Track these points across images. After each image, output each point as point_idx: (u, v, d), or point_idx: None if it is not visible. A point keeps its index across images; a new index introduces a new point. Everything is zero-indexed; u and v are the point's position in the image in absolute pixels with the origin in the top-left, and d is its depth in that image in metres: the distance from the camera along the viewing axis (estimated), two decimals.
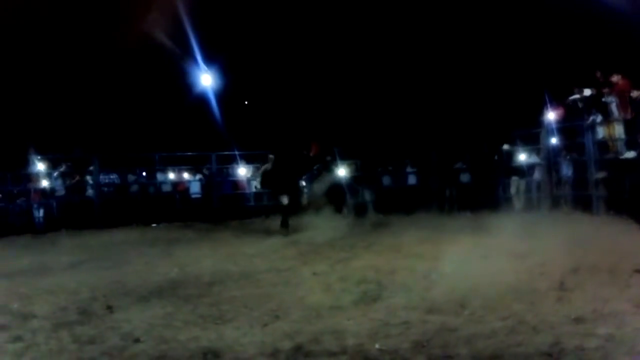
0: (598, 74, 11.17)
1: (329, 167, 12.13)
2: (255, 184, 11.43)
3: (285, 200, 10.75)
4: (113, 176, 15.18)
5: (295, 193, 10.89)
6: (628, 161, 10.20)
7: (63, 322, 4.79)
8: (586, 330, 3.90)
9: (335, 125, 18.23)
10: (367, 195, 14.93)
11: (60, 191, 14.18)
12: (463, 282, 5.54)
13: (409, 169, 15.77)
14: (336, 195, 11.44)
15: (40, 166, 14.00)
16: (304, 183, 11.18)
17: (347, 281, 6.02)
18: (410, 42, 18.76)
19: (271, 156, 11.17)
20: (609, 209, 10.43)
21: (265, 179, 11.06)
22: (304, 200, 11.17)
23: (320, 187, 11.40)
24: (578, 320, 4.14)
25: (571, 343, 3.64)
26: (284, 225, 10.59)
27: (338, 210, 11.54)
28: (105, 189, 14.96)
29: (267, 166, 11.21)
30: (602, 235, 7.78)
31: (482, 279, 5.56)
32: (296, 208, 10.96)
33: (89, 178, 14.52)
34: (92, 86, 18.03)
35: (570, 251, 6.56)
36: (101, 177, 14.58)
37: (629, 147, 10.38)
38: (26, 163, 13.80)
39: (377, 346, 3.83)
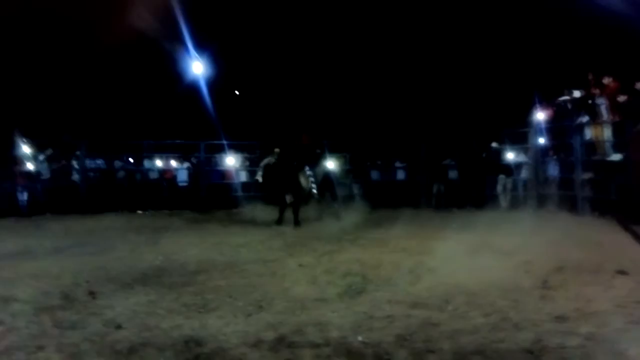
0: (590, 76, 11.26)
1: (318, 160, 12.06)
2: (257, 177, 11.02)
3: (289, 198, 10.65)
4: (99, 161, 15.05)
5: (298, 189, 10.73)
6: (614, 163, 10.30)
7: (45, 307, 4.74)
8: (568, 328, 3.94)
9: (325, 118, 18.21)
10: (355, 189, 14.94)
11: (46, 175, 14.01)
12: (448, 278, 5.58)
13: (397, 164, 15.79)
14: (326, 189, 11.36)
15: (26, 149, 13.82)
16: (310, 174, 11.03)
17: (332, 274, 6.02)
18: (402, 39, 18.76)
19: (277, 150, 10.98)
20: (593, 210, 10.54)
21: (268, 173, 10.73)
22: (315, 192, 11.03)
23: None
24: (560, 318, 4.18)
25: (553, 341, 3.67)
26: (297, 223, 10.46)
27: (327, 203, 11.46)
28: (92, 174, 14.83)
29: (270, 159, 10.93)
30: (587, 236, 7.84)
31: (467, 276, 5.59)
32: (301, 202, 10.82)
33: (75, 162, 14.38)
34: (82, 71, 17.85)
35: (554, 250, 6.61)
36: (87, 162, 14.45)
37: (616, 150, 10.48)
38: (11, 145, 13.61)
39: (360, 339, 3.83)
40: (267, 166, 10.74)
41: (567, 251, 6.57)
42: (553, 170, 12.27)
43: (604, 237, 7.80)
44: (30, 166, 13.76)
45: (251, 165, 15.60)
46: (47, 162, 14.12)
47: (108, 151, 15.20)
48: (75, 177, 14.28)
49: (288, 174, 10.61)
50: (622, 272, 5.52)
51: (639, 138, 9.30)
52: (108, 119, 18.07)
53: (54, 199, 13.37)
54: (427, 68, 18.63)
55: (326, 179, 11.46)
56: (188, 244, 8.34)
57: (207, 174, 15.26)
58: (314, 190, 11.01)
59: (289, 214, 10.69)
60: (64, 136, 14.86)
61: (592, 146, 11.12)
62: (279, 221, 10.61)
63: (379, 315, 4.41)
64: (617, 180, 10.06)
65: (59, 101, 17.84)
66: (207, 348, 3.70)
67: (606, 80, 10.98)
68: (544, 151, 12.64)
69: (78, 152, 14.17)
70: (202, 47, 16.95)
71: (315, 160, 11.54)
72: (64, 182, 14.11)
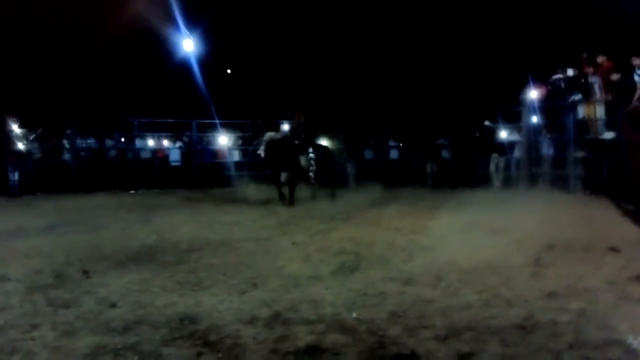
0: (584, 55, 11.24)
1: (313, 139, 11.97)
2: (259, 151, 10.66)
3: (284, 176, 10.48)
4: (90, 140, 14.95)
5: (296, 168, 10.58)
6: (607, 142, 10.32)
7: (38, 286, 4.73)
8: (559, 305, 3.97)
9: (319, 97, 18.13)
10: (349, 169, 14.95)
11: (37, 154, 13.90)
12: (440, 256, 5.61)
13: (391, 144, 15.79)
14: (323, 168, 11.25)
15: (16, 128, 13.68)
16: (312, 156, 10.91)
17: (325, 252, 6.03)
18: (395, 18, 18.62)
19: (284, 128, 10.71)
20: (585, 189, 10.59)
21: (270, 149, 10.30)
22: (312, 175, 10.89)
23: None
24: (552, 295, 4.22)
25: (544, 317, 3.71)
26: (291, 202, 10.33)
27: (323, 183, 11.39)
28: (83, 153, 14.74)
29: (275, 135, 10.68)
30: (578, 214, 7.90)
31: (459, 253, 5.62)
32: (298, 181, 10.70)
33: (66, 141, 14.27)
34: (72, 49, 17.59)
35: (546, 228, 6.65)
36: (78, 141, 14.35)
37: (609, 128, 10.50)
38: (2, 124, 13.45)
39: (354, 315, 3.86)
40: (271, 142, 10.47)
41: (559, 229, 6.61)
42: (546, 149, 12.29)
43: (596, 215, 7.86)
44: (20, 145, 13.65)
45: (244, 144, 15.59)
46: (38, 141, 14.00)
47: (99, 130, 15.10)
48: (66, 156, 14.18)
49: (288, 152, 10.46)
50: (613, 250, 5.57)
51: (631, 117, 9.31)
52: (99, 98, 17.89)
53: (45, 178, 13.28)
54: (420, 47, 18.52)
55: (323, 159, 11.39)
56: (181, 223, 8.31)
57: (200, 153, 15.21)
58: (311, 174, 10.90)
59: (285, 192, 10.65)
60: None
61: (584, 125, 11.13)
62: (282, 196, 10.48)
63: (372, 292, 4.43)
64: (609, 158, 10.09)
65: (49, 80, 17.61)
66: (201, 325, 3.71)
67: (600, 59, 10.96)
68: (537, 130, 12.66)
69: (69, 131, 14.06)
70: (193, 24, 16.75)
71: (311, 139, 11.46)
72: (55, 161, 14.02)
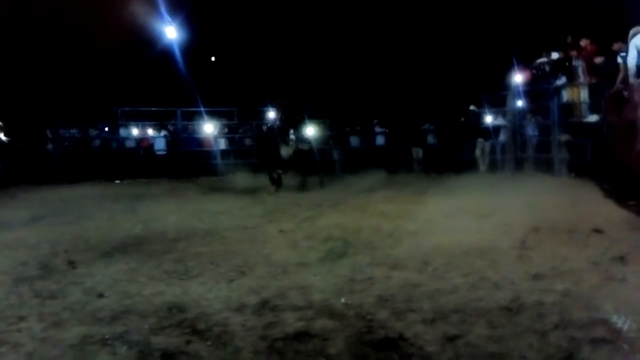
0: (569, 39, 11.28)
1: (297, 126, 11.93)
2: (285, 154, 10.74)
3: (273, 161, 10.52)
4: (74, 130, 14.78)
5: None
6: (591, 125, 10.40)
7: (23, 277, 4.69)
8: (545, 286, 4.02)
9: (304, 83, 18.06)
10: (335, 155, 14.94)
11: (19, 144, 13.71)
12: (427, 240, 5.64)
13: (377, 129, 15.79)
14: (305, 156, 11.24)
15: None
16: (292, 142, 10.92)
17: (313, 239, 6.03)
18: (380, 4, 18.56)
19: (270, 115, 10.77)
20: (570, 171, 10.69)
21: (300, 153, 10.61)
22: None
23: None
24: (537, 276, 4.26)
25: (530, 298, 3.75)
26: (276, 188, 10.39)
27: (307, 170, 11.37)
28: (66, 143, 14.57)
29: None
30: (563, 197, 7.96)
31: (446, 238, 5.66)
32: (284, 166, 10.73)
33: (49, 132, 14.09)
34: (54, 39, 17.32)
35: (531, 212, 6.71)
36: (61, 131, 14.17)
37: (593, 111, 10.58)
38: None
39: (342, 301, 3.87)
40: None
41: (544, 212, 6.67)
42: (531, 132, 12.36)
43: (580, 197, 7.93)
44: (1, 136, 13.44)
45: (230, 132, 15.52)
46: (21, 132, 13.80)
47: (83, 120, 14.93)
48: (50, 146, 14.01)
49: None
50: (597, 231, 5.63)
51: (614, 99, 9.37)
52: (82, 87, 17.67)
53: (28, 169, 13.11)
54: (405, 32, 18.49)
55: (306, 146, 11.37)
56: (167, 212, 8.27)
57: (185, 142, 15.10)
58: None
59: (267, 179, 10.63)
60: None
61: (569, 108, 11.21)
62: (273, 180, 10.54)
63: (360, 277, 4.45)
64: (593, 141, 10.18)
65: (31, 69, 17.35)
66: (190, 314, 3.70)
67: (583, 42, 11.01)
68: (522, 114, 12.71)
69: (52, 121, 13.87)
70: (176, 11, 16.55)
71: (295, 126, 11.42)
72: (38, 152, 13.84)
